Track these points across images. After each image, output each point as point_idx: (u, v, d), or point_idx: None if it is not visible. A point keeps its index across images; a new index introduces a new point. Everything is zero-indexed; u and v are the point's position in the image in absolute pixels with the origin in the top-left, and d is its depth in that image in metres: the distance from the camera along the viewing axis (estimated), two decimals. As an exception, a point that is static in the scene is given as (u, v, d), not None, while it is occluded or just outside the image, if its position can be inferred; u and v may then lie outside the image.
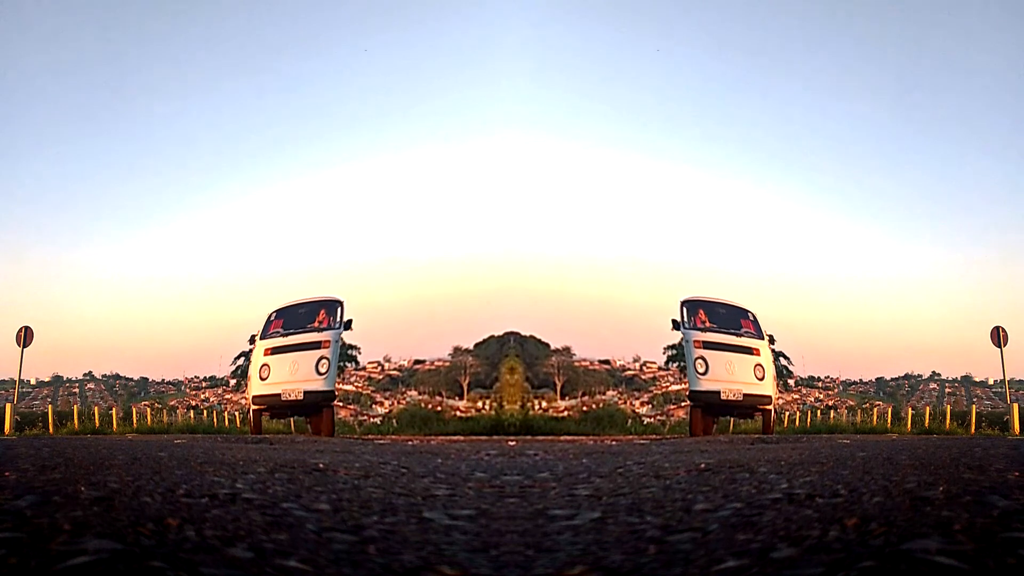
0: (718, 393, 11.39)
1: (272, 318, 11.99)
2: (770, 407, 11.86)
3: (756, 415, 12.59)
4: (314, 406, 11.59)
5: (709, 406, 11.59)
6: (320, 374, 11.40)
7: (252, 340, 12.34)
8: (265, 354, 11.64)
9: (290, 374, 11.43)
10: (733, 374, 11.49)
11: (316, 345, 11.60)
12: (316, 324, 11.94)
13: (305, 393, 11.33)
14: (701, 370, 11.40)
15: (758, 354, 11.70)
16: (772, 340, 13.44)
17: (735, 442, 6.68)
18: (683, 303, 11.98)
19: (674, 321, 11.62)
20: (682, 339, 12.15)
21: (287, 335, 11.67)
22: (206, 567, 1.06)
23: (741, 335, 11.66)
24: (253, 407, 11.69)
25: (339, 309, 12.01)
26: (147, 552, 1.13)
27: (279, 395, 11.25)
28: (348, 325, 11.74)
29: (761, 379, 11.58)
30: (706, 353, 11.54)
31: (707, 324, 11.93)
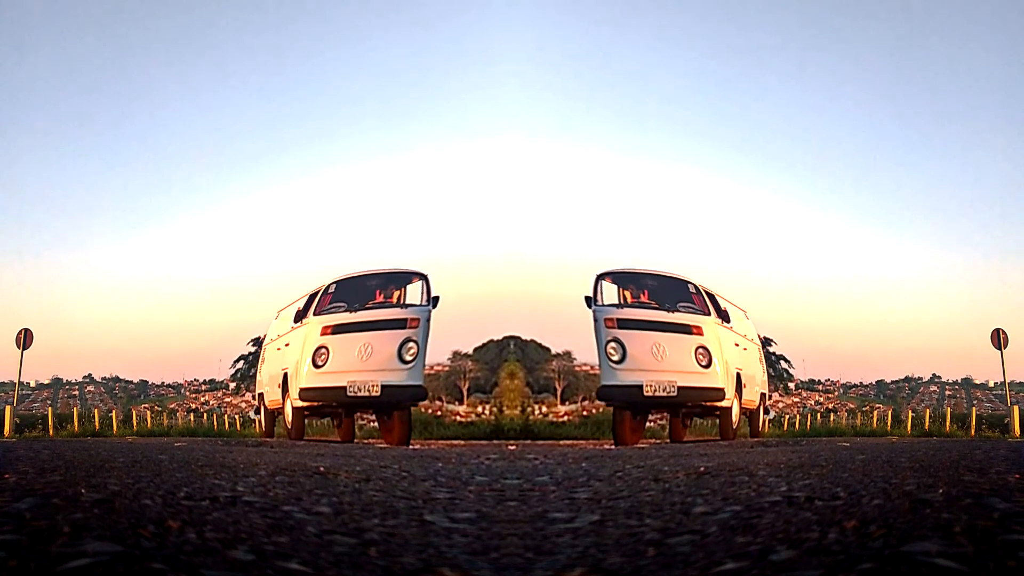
0: (639, 387, 8.48)
1: (327, 290, 9.06)
2: (727, 404, 8.99)
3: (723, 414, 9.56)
4: (392, 405, 8.73)
5: (630, 405, 8.80)
6: (405, 363, 8.47)
7: (300, 317, 9.29)
8: (323, 333, 8.65)
9: (361, 361, 8.53)
10: (663, 361, 8.61)
11: (400, 324, 8.62)
12: (392, 301, 9.22)
13: (383, 388, 8.41)
14: (615, 358, 8.56)
15: (700, 334, 8.75)
16: (756, 338, 11.46)
17: (734, 445, 6.68)
18: (599, 277, 9.10)
19: (587, 299, 8.84)
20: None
21: (355, 311, 8.81)
22: (207, 569, 1.06)
23: (676, 310, 8.87)
24: (297, 404, 8.79)
25: (423, 285, 9.00)
26: (148, 554, 1.13)
27: (342, 388, 8.37)
28: (435, 303, 8.88)
29: (706, 366, 8.66)
30: (623, 334, 8.62)
31: (632, 301, 9.30)
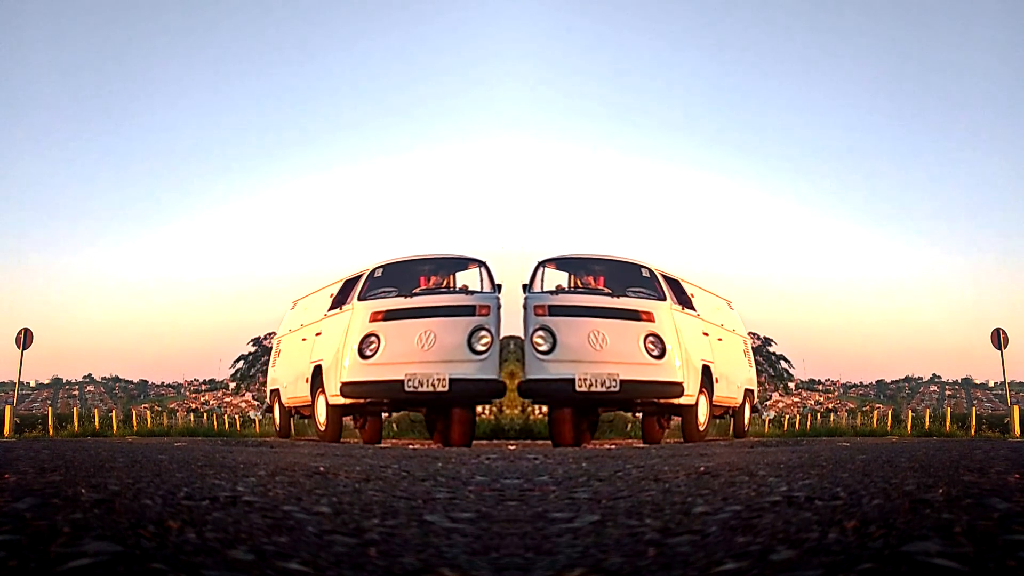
0: (571, 381, 7.32)
1: (372, 274, 8.00)
2: (687, 401, 7.81)
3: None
4: (461, 402, 7.56)
5: (560, 402, 7.65)
6: (477, 354, 7.39)
7: (337, 303, 8.26)
8: (372, 320, 7.58)
9: (421, 352, 7.45)
10: (603, 351, 7.47)
11: (468, 310, 7.56)
12: (450, 287, 8.28)
13: (452, 382, 7.32)
14: (544, 347, 7.45)
15: (651, 320, 7.57)
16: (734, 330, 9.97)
17: (734, 445, 6.68)
18: (540, 264, 8.09)
19: (524, 287, 7.90)
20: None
21: (409, 296, 7.77)
22: (207, 569, 1.06)
23: (622, 296, 7.77)
24: (336, 400, 7.73)
25: (483, 272, 8.07)
26: (148, 554, 1.13)
27: (398, 382, 7.29)
28: (499, 292, 7.97)
29: (659, 357, 7.49)
30: (554, 322, 7.51)
31: (574, 287, 8.29)
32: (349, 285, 8.21)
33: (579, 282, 8.32)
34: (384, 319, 7.56)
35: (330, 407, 7.93)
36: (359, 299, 7.78)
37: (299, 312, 9.82)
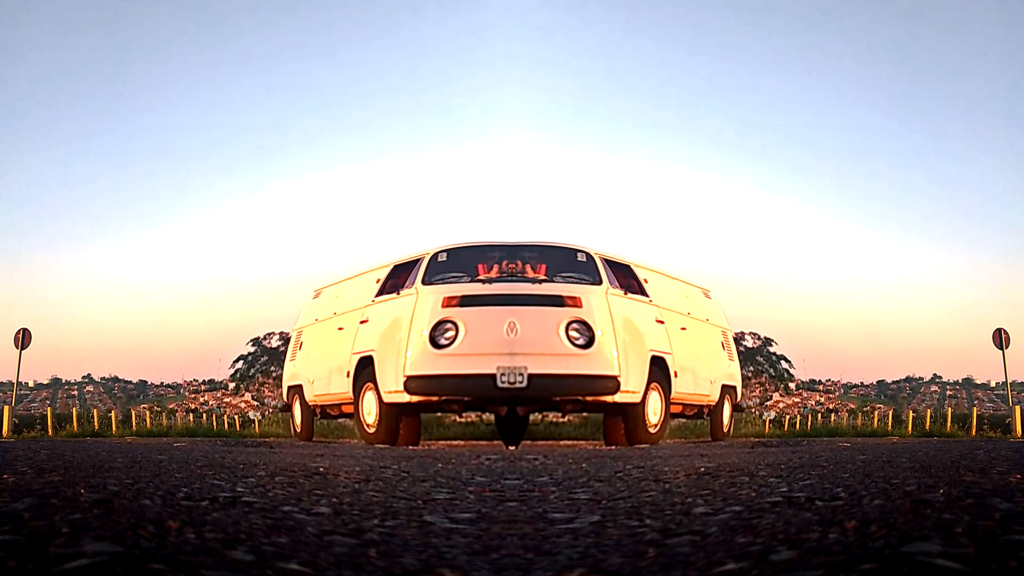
0: (491, 377, 6.46)
1: (435, 258, 7.07)
2: (626, 398, 6.74)
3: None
4: (552, 399, 6.84)
5: (462, 400, 6.78)
6: (580, 347, 6.49)
7: (391, 288, 7.33)
8: (445, 305, 6.67)
9: (511, 342, 6.52)
10: (513, 342, 6.56)
11: (559, 301, 6.64)
12: (539, 275, 7.21)
13: (546, 377, 6.50)
14: (443, 341, 6.57)
15: (576, 305, 6.62)
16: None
17: (734, 446, 6.67)
18: (437, 254, 7.14)
19: (422, 278, 7.09)
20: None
21: (491, 283, 6.88)
22: (206, 569, 1.06)
23: (552, 281, 6.86)
24: (395, 398, 6.74)
25: (582, 258, 7.04)
26: (147, 555, 1.13)
27: (488, 377, 6.39)
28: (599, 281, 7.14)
29: (584, 346, 6.55)
30: (458, 314, 6.63)
31: (498, 276, 7.22)
32: (402, 270, 7.33)
33: (499, 270, 7.24)
34: (461, 304, 6.67)
35: (385, 405, 6.89)
36: (424, 283, 6.88)
37: (328, 300, 8.79)
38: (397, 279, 7.36)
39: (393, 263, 7.57)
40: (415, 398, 6.63)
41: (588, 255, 7.12)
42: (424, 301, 6.76)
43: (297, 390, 9.01)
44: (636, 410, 6.95)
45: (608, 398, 6.66)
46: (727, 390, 9.17)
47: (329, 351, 8.17)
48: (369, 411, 7.17)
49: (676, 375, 7.59)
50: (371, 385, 7.11)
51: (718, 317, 9.39)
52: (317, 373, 8.45)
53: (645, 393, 7.03)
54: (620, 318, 6.85)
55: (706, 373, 8.55)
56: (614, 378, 6.57)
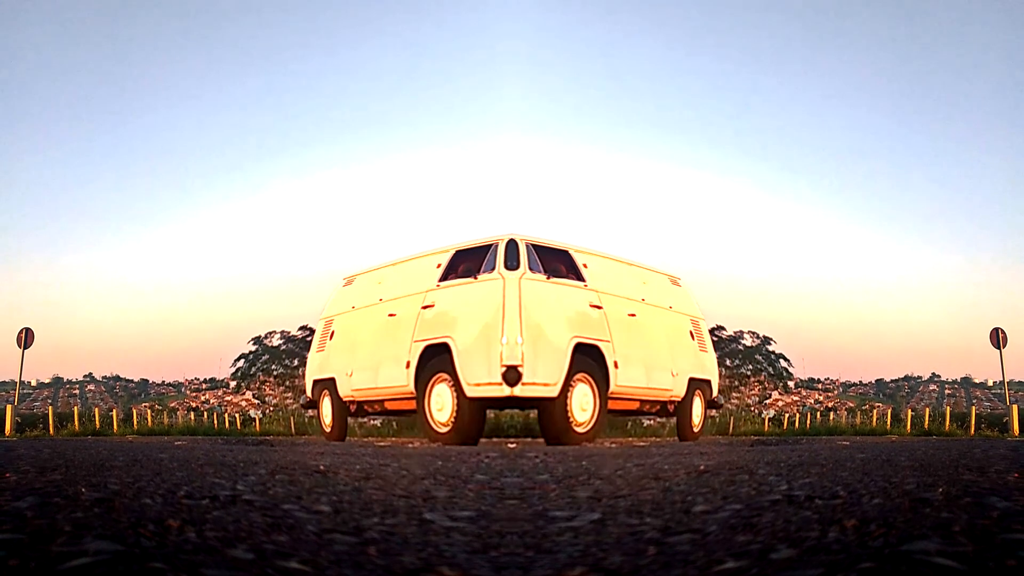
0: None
1: (510, 246, 6.64)
2: (539, 392, 6.22)
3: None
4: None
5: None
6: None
7: (459, 274, 6.94)
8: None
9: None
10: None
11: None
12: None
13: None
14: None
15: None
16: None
17: (733, 444, 6.68)
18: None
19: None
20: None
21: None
22: (207, 568, 1.06)
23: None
24: (486, 391, 6.21)
25: (513, 249, 6.70)
26: (148, 553, 1.13)
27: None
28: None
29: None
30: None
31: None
32: (468, 255, 6.96)
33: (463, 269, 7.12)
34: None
35: (467, 400, 6.32)
36: (507, 268, 6.50)
37: (367, 286, 8.19)
38: (464, 264, 6.97)
39: (455, 248, 7.19)
40: (511, 391, 6.06)
41: (513, 242, 6.67)
42: (511, 286, 6.38)
43: (328, 384, 8.33)
44: (553, 405, 6.36)
45: (511, 391, 6.07)
46: (697, 384, 8.45)
47: (376, 340, 7.54)
48: (441, 406, 6.59)
49: (617, 365, 6.94)
50: (444, 376, 6.56)
51: (687, 305, 8.71)
52: (358, 364, 7.78)
53: (566, 386, 6.45)
54: (533, 304, 6.36)
55: (665, 364, 7.84)
56: (513, 368, 6.05)
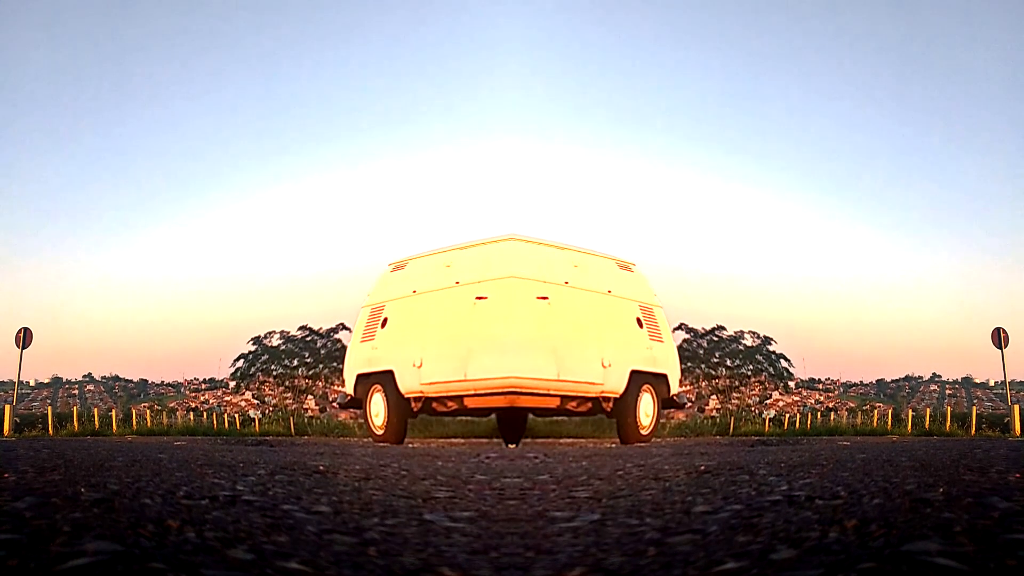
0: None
1: None
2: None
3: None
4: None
5: None
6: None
7: None
8: None
9: None
10: None
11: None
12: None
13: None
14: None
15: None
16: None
17: (734, 444, 6.67)
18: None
19: None
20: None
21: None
22: (206, 568, 1.06)
23: None
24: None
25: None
26: (147, 553, 1.13)
27: None
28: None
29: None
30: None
31: None
32: None
33: None
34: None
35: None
36: None
37: (430, 270, 7.47)
38: None
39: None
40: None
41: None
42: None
43: (381, 379, 7.40)
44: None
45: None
46: (644, 378, 7.46)
47: (458, 325, 6.92)
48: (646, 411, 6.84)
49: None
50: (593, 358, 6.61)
51: (637, 291, 7.82)
52: (433, 353, 7.00)
53: (356, 386, 6.38)
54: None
55: (589, 353, 7.01)
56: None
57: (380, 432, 7.43)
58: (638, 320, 7.61)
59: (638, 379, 7.37)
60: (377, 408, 7.48)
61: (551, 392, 6.74)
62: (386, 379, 7.29)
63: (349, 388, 7.93)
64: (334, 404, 8.84)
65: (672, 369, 7.92)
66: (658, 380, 7.67)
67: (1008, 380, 17.16)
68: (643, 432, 7.46)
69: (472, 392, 6.75)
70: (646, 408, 7.51)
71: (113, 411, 24.44)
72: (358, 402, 7.77)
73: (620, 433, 7.39)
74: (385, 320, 7.59)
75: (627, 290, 7.67)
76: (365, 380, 7.65)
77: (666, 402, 7.80)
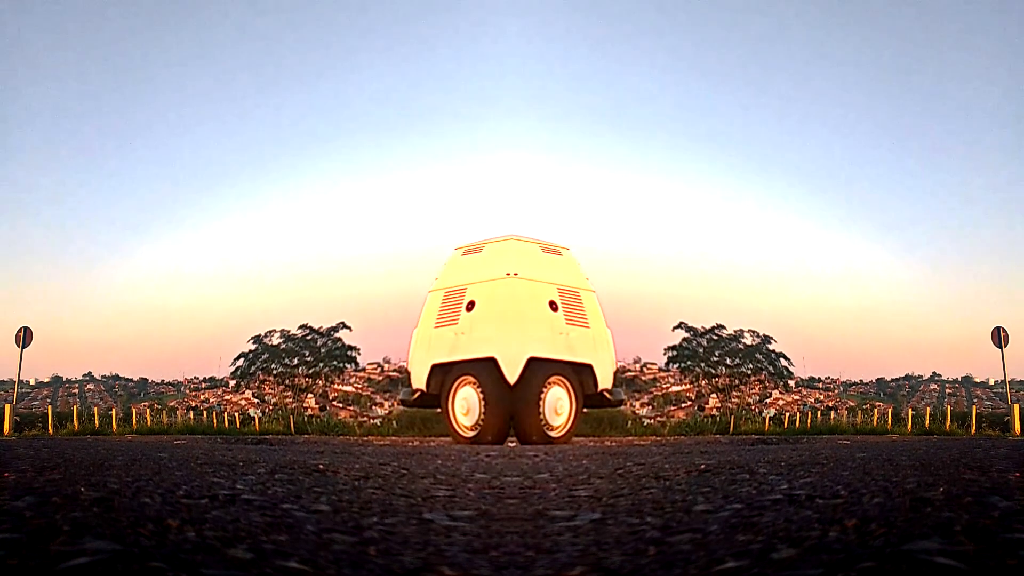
0: None
1: None
2: None
3: None
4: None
5: None
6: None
7: None
8: None
9: None
10: None
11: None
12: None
13: None
14: None
15: None
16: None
17: (734, 443, 6.67)
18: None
19: None
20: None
21: None
22: (206, 568, 1.06)
23: None
24: None
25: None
26: (147, 553, 1.13)
27: None
28: None
29: None
30: None
31: None
32: None
33: None
34: None
35: None
36: None
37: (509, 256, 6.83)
38: None
39: None
40: None
41: None
42: None
43: (473, 368, 6.48)
44: None
45: None
46: (550, 367, 6.49)
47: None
48: None
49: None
50: None
51: (559, 274, 7.00)
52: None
53: (428, 379, 6.17)
54: None
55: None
56: None
57: (469, 432, 6.43)
58: (551, 303, 6.72)
59: (541, 368, 6.42)
60: (465, 404, 6.54)
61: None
62: (484, 368, 6.35)
63: (418, 382, 6.88)
64: (400, 401, 7.57)
65: (600, 360, 6.87)
66: (578, 371, 6.69)
67: (1008, 379, 17.17)
68: (551, 432, 6.43)
69: None
70: (557, 403, 6.55)
71: (113, 410, 24.45)
72: (432, 398, 6.76)
73: (516, 431, 6.41)
74: (472, 303, 6.68)
75: (543, 273, 6.85)
76: (440, 371, 6.69)
77: (593, 398, 6.78)
